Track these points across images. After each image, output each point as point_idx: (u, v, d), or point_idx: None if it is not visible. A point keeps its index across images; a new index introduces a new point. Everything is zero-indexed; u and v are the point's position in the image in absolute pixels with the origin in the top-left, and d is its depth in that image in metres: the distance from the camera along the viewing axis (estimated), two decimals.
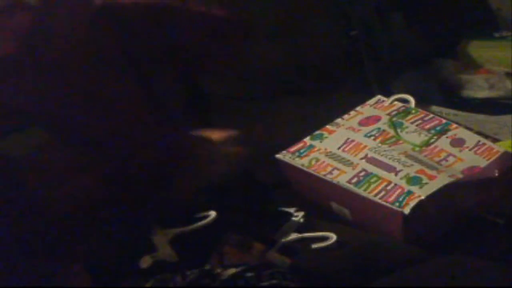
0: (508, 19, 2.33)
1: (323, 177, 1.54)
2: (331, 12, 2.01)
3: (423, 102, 1.75)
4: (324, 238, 1.43)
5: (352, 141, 1.59)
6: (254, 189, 1.80)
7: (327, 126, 1.65)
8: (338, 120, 1.66)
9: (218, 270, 1.31)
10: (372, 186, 1.49)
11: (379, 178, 1.50)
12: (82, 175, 1.24)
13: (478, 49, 2.23)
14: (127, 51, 1.22)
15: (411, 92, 1.71)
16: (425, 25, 2.25)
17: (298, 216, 1.54)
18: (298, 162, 1.58)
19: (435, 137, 1.58)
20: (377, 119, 1.64)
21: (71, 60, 1.20)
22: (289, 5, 1.95)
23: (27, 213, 1.19)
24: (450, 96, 2.12)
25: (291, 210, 1.56)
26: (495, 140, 1.63)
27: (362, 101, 1.70)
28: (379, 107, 1.67)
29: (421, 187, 1.46)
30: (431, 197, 1.44)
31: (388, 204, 1.45)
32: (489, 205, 1.53)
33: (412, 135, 1.59)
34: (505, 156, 1.53)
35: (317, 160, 1.57)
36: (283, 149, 1.62)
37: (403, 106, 1.66)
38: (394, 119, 1.63)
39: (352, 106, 1.68)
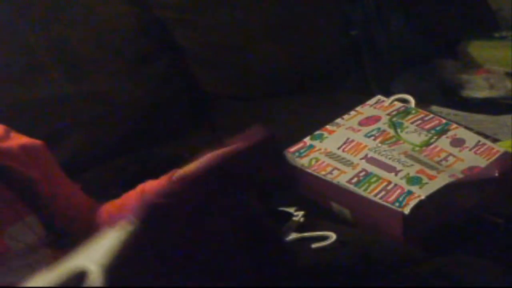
0: (508, 19, 2.33)
1: (323, 177, 1.54)
2: (331, 12, 2.01)
3: (423, 102, 1.75)
4: (324, 238, 1.43)
5: (352, 141, 1.59)
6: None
7: (327, 126, 1.65)
8: (338, 120, 1.66)
9: None
10: (372, 186, 1.49)
11: (379, 178, 1.50)
12: None
13: (478, 49, 2.23)
14: None
15: (411, 92, 1.71)
16: (425, 25, 2.25)
17: (298, 215, 1.54)
18: (298, 162, 1.58)
19: (435, 137, 1.58)
20: (377, 119, 1.64)
21: None
22: (289, 5, 1.95)
23: None
24: (450, 96, 2.12)
25: (291, 210, 1.56)
26: (495, 140, 1.63)
27: (362, 101, 1.70)
28: (379, 107, 1.67)
29: (421, 187, 1.46)
30: (431, 197, 1.44)
31: (388, 204, 1.45)
32: (489, 205, 1.52)
33: (412, 135, 1.59)
34: (505, 156, 1.53)
35: (317, 160, 1.57)
36: (283, 149, 1.62)
37: (403, 106, 1.66)
38: (394, 119, 1.63)
39: (352, 106, 1.68)
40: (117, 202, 1.48)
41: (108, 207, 1.48)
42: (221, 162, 1.08)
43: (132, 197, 1.47)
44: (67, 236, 1.42)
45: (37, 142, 1.46)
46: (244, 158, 1.10)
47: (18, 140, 1.44)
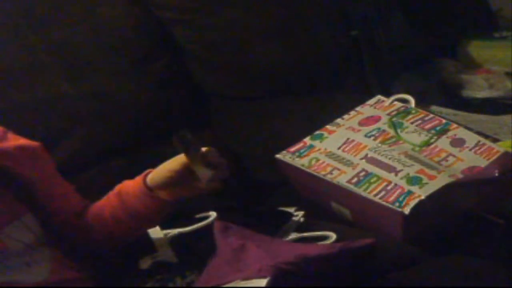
0: (508, 19, 2.33)
1: (323, 177, 1.54)
2: (331, 12, 2.01)
3: (423, 102, 1.75)
4: (324, 238, 1.43)
5: (352, 141, 1.59)
6: (254, 189, 1.80)
7: (327, 126, 1.65)
8: (338, 120, 1.66)
9: None
10: (372, 186, 1.49)
11: (379, 178, 1.50)
12: None
13: (478, 49, 2.23)
14: None
15: (411, 92, 1.71)
16: (425, 25, 2.25)
17: (298, 215, 1.54)
18: (298, 162, 1.58)
19: (435, 137, 1.58)
20: (377, 119, 1.64)
21: None
22: (289, 5, 1.95)
23: None
24: (450, 96, 2.12)
25: (291, 210, 1.56)
26: (495, 140, 1.63)
27: (362, 101, 1.70)
28: (379, 107, 1.67)
29: (421, 187, 1.46)
30: (431, 197, 1.44)
31: (388, 204, 1.45)
32: (489, 205, 1.52)
33: (412, 135, 1.59)
34: (505, 156, 1.53)
35: (317, 160, 1.57)
36: (283, 149, 1.62)
37: (403, 106, 1.66)
38: (394, 119, 1.63)
39: (352, 106, 1.68)
40: (100, 203, 1.48)
41: (93, 209, 1.48)
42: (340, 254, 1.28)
43: (112, 198, 1.47)
44: (63, 235, 1.42)
45: (34, 143, 1.47)
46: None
47: (15, 141, 1.45)
